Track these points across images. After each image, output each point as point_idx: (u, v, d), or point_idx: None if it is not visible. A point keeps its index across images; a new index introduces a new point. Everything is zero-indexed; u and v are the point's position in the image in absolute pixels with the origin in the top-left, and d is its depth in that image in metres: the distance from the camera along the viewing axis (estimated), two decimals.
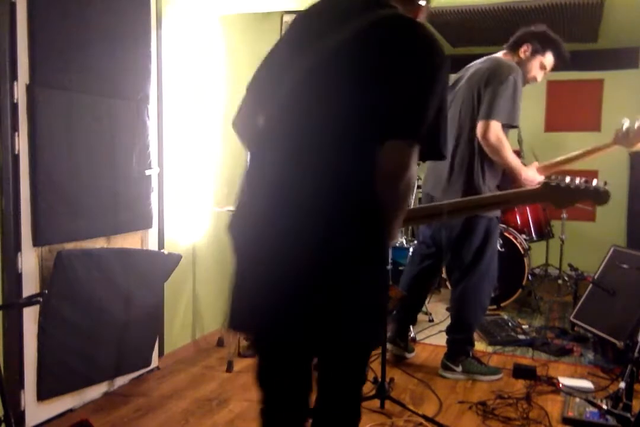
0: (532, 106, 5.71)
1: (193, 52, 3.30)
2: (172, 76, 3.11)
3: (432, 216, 1.97)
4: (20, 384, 2.31)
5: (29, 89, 2.25)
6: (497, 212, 2.91)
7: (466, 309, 2.97)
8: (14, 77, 2.20)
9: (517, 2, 3.83)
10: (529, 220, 4.68)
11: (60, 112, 2.37)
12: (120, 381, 2.81)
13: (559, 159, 2.97)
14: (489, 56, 2.88)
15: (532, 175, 2.77)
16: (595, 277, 3.47)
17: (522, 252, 4.17)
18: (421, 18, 1.50)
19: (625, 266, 3.32)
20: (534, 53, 2.83)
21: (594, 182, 1.90)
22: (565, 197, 1.91)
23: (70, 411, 2.54)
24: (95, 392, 2.67)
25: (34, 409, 2.37)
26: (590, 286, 3.49)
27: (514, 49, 2.85)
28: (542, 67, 2.89)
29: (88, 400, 2.63)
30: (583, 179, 1.91)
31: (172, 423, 2.48)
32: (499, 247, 4.20)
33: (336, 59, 1.34)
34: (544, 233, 4.71)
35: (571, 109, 5.59)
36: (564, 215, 4.70)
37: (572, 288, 3.82)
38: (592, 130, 5.54)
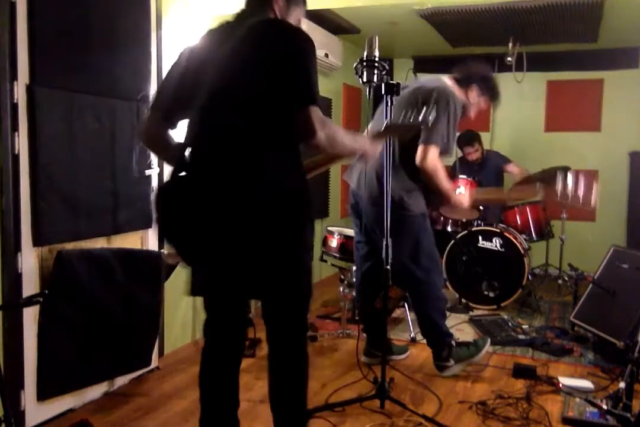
0: (532, 106, 5.72)
1: None
2: None
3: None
4: (20, 384, 2.31)
5: (29, 89, 2.25)
6: (424, 208, 2.93)
7: (424, 305, 2.98)
8: (14, 77, 2.20)
9: (517, 2, 3.83)
10: (529, 220, 4.68)
11: (60, 112, 2.37)
12: (120, 381, 2.81)
13: (491, 194, 3.24)
14: (438, 78, 2.97)
15: (461, 200, 2.93)
16: (595, 277, 3.47)
17: (522, 252, 4.17)
18: (294, 19, 1.89)
19: (625, 266, 3.31)
20: (479, 96, 3.00)
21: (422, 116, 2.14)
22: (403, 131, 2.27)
23: (70, 411, 2.54)
24: (95, 392, 2.67)
25: (34, 409, 2.37)
26: (590, 286, 3.49)
27: (463, 85, 2.97)
28: (479, 107, 3.07)
29: (88, 400, 2.63)
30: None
31: (172, 423, 2.48)
32: (499, 247, 4.22)
33: (231, 60, 1.70)
34: (544, 233, 4.71)
35: (571, 109, 5.58)
36: (564, 215, 4.70)
37: (572, 288, 3.81)
38: (592, 131, 5.54)
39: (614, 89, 5.46)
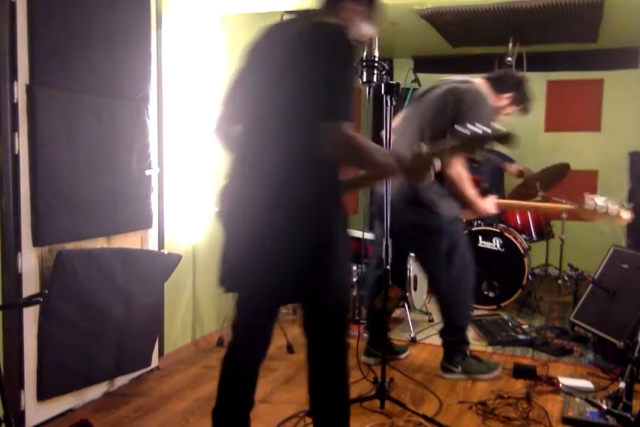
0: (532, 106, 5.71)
1: (193, 52, 3.30)
2: (172, 76, 3.10)
3: None
4: (20, 384, 2.32)
5: (29, 89, 2.25)
6: (457, 212, 2.90)
7: (452, 311, 2.97)
8: (14, 77, 2.20)
9: (517, 2, 3.83)
10: (529, 220, 4.68)
11: (60, 112, 2.37)
12: (120, 381, 2.81)
13: (516, 203, 3.20)
14: (470, 80, 2.85)
15: (487, 207, 2.82)
16: (595, 277, 3.47)
17: (522, 252, 4.17)
18: (358, 30, 1.75)
19: (625, 266, 3.31)
20: (512, 102, 2.91)
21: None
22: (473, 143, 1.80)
23: (70, 411, 2.54)
24: (95, 392, 2.67)
25: (34, 409, 2.38)
26: (590, 286, 3.49)
27: (497, 89, 2.87)
28: (507, 114, 2.97)
29: (88, 400, 2.63)
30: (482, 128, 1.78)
31: (172, 423, 2.48)
32: (498, 247, 4.22)
33: (276, 67, 1.68)
34: (544, 233, 4.71)
35: (571, 109, 5.58)
36: (564, 215, 4.70)
37: (572, 288, 3.81)
38: (592, 131, 5.53)
39: (614, 89, 5.46)
